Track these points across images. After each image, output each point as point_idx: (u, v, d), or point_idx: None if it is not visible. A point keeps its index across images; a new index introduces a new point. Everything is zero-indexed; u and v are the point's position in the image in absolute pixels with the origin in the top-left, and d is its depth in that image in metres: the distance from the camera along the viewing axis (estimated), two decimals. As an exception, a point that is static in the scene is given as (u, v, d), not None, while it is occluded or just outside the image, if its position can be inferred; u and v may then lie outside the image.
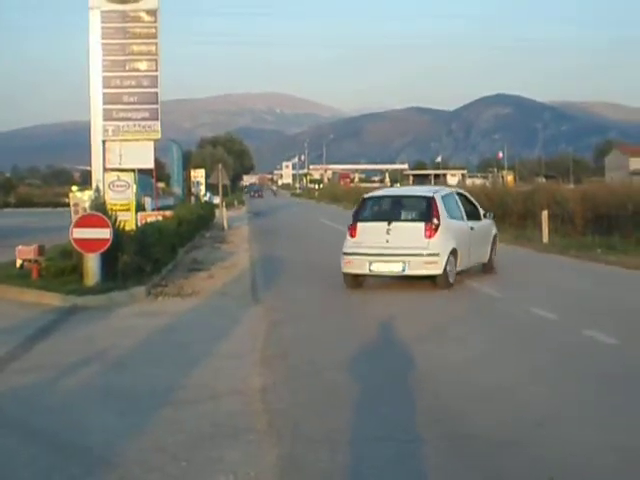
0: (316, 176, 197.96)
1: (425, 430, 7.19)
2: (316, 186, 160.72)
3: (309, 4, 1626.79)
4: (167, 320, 13.23)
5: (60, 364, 9.80)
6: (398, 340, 11.46)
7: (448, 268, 16.84)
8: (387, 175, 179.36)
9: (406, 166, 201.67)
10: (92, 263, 15.64)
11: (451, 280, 17.02)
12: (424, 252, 16.82)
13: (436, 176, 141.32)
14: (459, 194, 19.91)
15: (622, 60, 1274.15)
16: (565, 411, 7.90)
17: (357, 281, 17.70)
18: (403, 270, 16.92)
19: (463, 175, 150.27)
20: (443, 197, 18.14)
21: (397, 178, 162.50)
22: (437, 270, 16.80)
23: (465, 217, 18.79)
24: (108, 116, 20.70)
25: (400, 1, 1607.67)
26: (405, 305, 15.11)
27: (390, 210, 18.48)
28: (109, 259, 15.85)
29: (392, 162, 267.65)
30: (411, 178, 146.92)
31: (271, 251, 26.94)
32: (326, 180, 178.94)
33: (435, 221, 17.12)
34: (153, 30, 20.85)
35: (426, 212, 17.46)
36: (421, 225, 17.19)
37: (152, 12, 20.79)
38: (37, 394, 8.53)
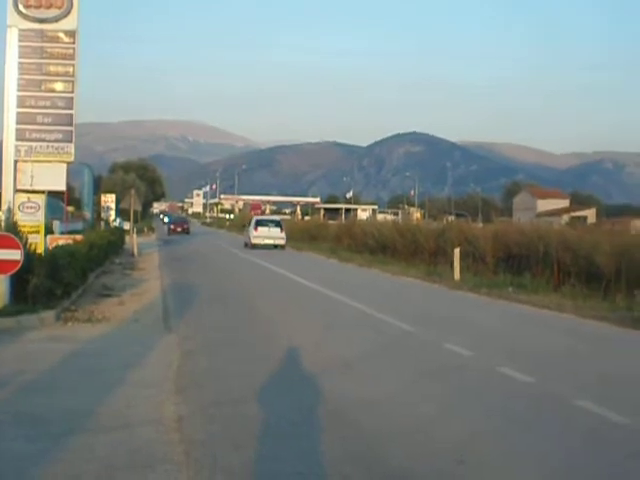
0: (227, 206, 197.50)
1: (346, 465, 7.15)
2: (227, 216, 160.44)
3: (222, 32, 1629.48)
4: (78, 346, 12.96)
5: (-33, 387, 9.51)
6: (309, 372, 11.41)
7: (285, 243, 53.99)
8: (298, 208, 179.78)
9: (318, 199, 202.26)
10: (1, 285, 15.27)
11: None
12: (280, 236, 54.10)
13: (347, 210, 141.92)
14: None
15: (530, 102, 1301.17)
16: (480, 445, 7.97)
17: (255, 247, 51.94)
18: (275, 242, 53.16)
19: (374, 210, 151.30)
20: (281, 220, 62.09)
21: (308, 211, 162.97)
22: (284, 242, 53.89)
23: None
24: (21, 136, 20.34)
25: (318, 32, 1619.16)
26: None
27: (267, 223, 56.29)
28: (19, 281, 15.53)
29: (304, 195, 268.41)
30: (322, 212, 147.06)
31: (182, 278, 26.82)
32: (237, 210, 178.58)
33: (282, 227, 55.59)
34: (71, 51, 20.62)
35: (280, 225, 55.93)
36: (279, 228, 54.88)
37: (71, 33, 20.55)
38: (-57, 418, 8.24)
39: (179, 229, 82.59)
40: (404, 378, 11.44)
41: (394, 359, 13.23)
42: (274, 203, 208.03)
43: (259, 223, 55.48)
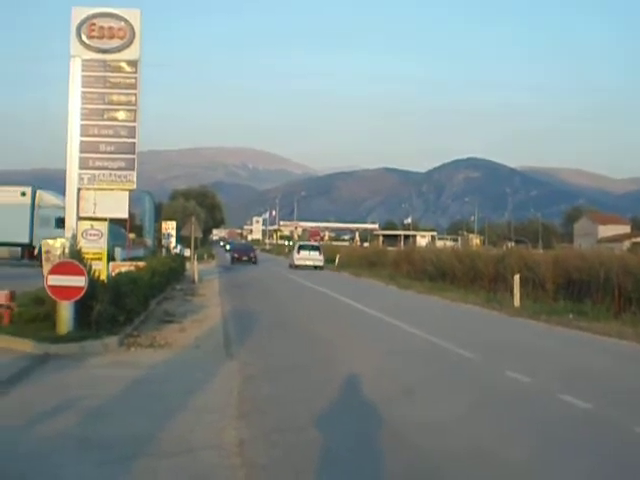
0: (286, 233, 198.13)
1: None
2: (286, 242, 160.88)
3: (280, 62, 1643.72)
4: (140, 371, 13.11)
5: (33, 412, 9.66)
6: (369, 397, 11.42)
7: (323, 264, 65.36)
8: (357, 234, 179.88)
9: (376, 226, 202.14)
10: (66, 311, 15.52)
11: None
12: (319, 259, 65.27)
13: (406, 237, 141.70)
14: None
15: (590, 127, 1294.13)
16: (539, 471, 7.95)
17: (297, 268, 62.17)
18: (314, 263, 63.69)
19: (433, 237, 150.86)
20: (320, 245, 78.21)
21: (367, 237, 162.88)
22: (321, 264, 64.73)
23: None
24: (84, 164, 20.50)
25: (375, 59, 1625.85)
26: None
27: (308, 247, 69.39)
28: (83, 307, 15.74)
29: (363, 221, 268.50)
30: (381, 238, 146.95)
31: (242, 305, 26.96)
32: (296, 237, 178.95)
33: (321, 251, 67.42)
34: (133, 81, 20.77)
35: (319, 249, 68.37)
36: (317, 252, 66.63)
37: (133, 63, 20.74)
38: (10, 441, 8.39)
39: (244, 258, 74.03)
40: (464, 404, 11.40)
41: (454, 385, 13.19)
42: (333, 230, 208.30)
43: (301, 248, 68.26)
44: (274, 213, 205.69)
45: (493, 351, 17.40)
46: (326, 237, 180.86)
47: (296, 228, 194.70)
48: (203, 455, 8.09)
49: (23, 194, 49.38)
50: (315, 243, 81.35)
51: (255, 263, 72.67)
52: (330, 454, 8.34)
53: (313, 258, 64.73)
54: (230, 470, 7.59)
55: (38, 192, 49.07)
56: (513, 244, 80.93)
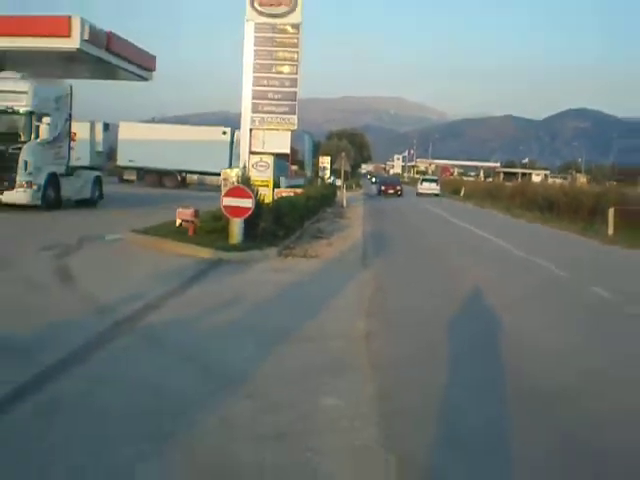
0: (422, 168, 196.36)
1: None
2: (422, 177, 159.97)
3: (428, 25, 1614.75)
4: (293, 276, 13.51)
5: (208, 304, 10.15)
6: (483, 307, 11.54)
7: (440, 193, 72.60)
8: (482, 171, 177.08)
9: (498, 164, 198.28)
10: (236, 226, 16.19)
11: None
12: (436, 189, 72.87)
13: (523, 174, 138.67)
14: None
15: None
16: (603, 373, 7.98)
17: (421, 195, 69.62)
18: (433, 192, 71.16)
19: (546, 175, 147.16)
20: (437, 178, 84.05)
21: (490, 174, 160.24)
22: (438, 192, 71.98)
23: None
24: (256, 109, 20.96)
25: (510, 13, 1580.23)
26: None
27: (429, 180, 78.12)
28: (250, 224, 16.37)
29: (487, 160, 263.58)
30: (501, 175, 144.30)
31: (380, 227, 27.18)
32: (430, 172, 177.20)
33: (438, 182, 76.08)
34: (295, 40, 21.02)
35: (436, 181, 76.74)
36: (434, 183, 74.85)
37: (296, 26, 20.98)
38: (190, 326, 8.86)
39: (391, 191, 68.09)
40: (552, 314, 11.45)
41: (547, 299, 13.12)
42: (461, 167, 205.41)
43: (424, 180, 78.39)
44: (412, 152, 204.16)
45: (583, 270, 17.21)
46: (455, 173, 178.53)
47: (430, 165, 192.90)
48: (335, 342, 8.40)
49: (224, 133, 51.71)
50: (434, 177, 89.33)
51: (401, 196, 66.41)
52: (447, 350, 8.49)
53: (432, 188, 72.80)
54: (357, 355, 7.88)
55: (236, 132, 50.24)
56: (614, 183, 78.43)
